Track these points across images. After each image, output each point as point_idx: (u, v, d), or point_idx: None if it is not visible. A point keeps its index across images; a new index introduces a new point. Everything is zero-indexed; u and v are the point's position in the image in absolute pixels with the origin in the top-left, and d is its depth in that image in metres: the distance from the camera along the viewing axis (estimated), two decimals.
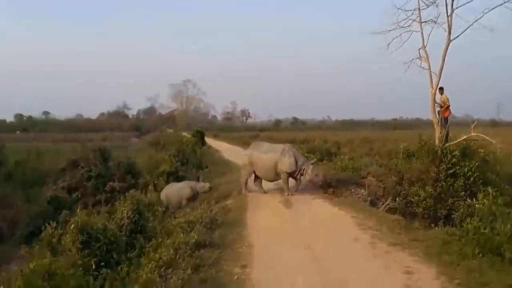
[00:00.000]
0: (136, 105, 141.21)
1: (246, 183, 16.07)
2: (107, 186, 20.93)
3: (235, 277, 7.63)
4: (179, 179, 20.39)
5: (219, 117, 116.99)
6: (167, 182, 19.63)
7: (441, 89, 14.13)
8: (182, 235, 9.76)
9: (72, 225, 9.38)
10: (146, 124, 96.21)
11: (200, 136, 42.02)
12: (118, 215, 11.27)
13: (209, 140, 48.98)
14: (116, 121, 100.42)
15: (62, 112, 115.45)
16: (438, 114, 14.21)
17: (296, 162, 15.37)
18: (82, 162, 22.88)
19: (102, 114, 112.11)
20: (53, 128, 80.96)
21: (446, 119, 14.29)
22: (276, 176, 15.71)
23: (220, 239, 10.01)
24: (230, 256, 8.85)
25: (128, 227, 10.75)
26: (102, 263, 8.85)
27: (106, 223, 10.18)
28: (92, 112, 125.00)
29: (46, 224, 11.39)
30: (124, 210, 11.10)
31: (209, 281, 7.45)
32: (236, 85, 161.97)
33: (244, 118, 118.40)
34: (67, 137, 58.73)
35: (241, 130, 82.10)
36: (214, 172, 24.92)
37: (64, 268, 7.86)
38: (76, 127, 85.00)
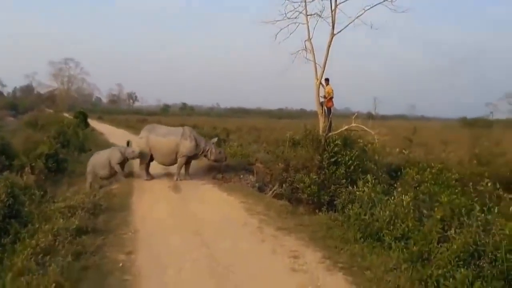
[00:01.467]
0: (11, 82, 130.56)
1: (147, 168, 15.55)
2: None
3: (120, 264, 7.35)
4: (59, 162, 19.25)
5: (104, 100, 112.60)
6: (46, 165, 18.41)
7: (327, 80, 14.68)
8: (62, 220, 9.16)
9: None
10: (23, 103, 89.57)
11: (82, 117, 40.18)
12: None
13: (93, 123, 46.97)
14: None
15: None
16: (322, 105, 14.77)
17: (197, 145, 15.26)
18: None
19: None
20: None
21: (329, 110, 14.88)
22: (175, 160, 15.36)
23: (104, 225, 9.61)
24: (114, 242, 8.51)
25: (1, 211, 9.88)
26: None
27: None
28: None
29: None
30: None
31: (91, 269, 7.09)
32: (123, 67, 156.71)
33: (131, 101, 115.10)
34: None
35: (128, 114, 79.65)
36: None
37: None
38: None
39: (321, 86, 14.34)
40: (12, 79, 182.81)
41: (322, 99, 14.63)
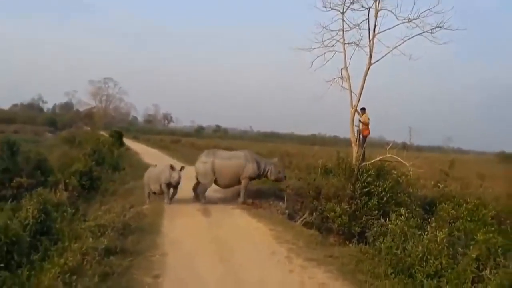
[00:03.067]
0: (52, 99, 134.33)
1: (204, 192, 15.50)
2: (14, 181, 19.61)
3: (146, 287, 7.30)
4: (93, 180, 19.55)
5: (140, 119, 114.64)
6: (80, 182, 18.75)
7: (363, 109, 14.60)
8: (91, 239, 9.20)
9: None
10: (62, 120, 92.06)
11: (118, 136, 40.79)
12: (22, 213, 10.50)
13: (128, 142, 47.70)
14: (30, 113, 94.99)
15: None
16: (357, 133, 14.64)
17: (259, 167, 15.36)
18: None
19: (16, 105, 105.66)
20: None
21: (364, 138, 14.76)
22: (237, 182, 15.47)
23: (132, 246, 9.59)
24: (142, 264, 8.48)
25: (32, 228, 10.00)
26: (1, 265, 8.10)
27: (9, 221, 9.40)
28: (4, 102, 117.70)
29: None
30: (30, 208, 10.35)
31: None
32: (160, 88, 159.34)
33: (166, 121, 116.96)
34: None
35: (162, 134, 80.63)
36: (131, 174, 24.07)
37: None
38: None
39: (356, 114, 14.25)
40: (53, 95, 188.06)
41: (357, 128, 14.54)
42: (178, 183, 14.64)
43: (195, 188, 15.52)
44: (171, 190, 14.91)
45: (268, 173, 15.63)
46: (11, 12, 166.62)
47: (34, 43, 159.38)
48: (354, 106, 14.14)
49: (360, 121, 14.82)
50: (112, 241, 9.31)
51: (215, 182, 15.52)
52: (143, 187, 16.21)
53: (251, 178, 15.55)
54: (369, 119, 14.73)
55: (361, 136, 14.82)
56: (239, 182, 15.44)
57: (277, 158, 17.10)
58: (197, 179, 15.33)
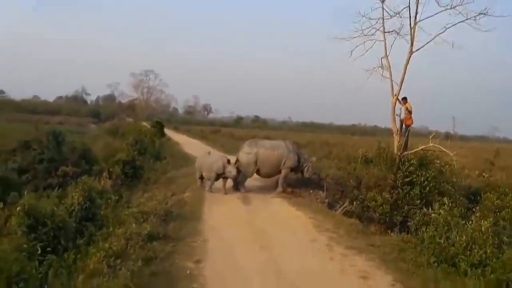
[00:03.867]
0: (95, 91, 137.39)
1: (245, 182, 15.62)
2: (60, 170, 20.22)
3: (188, 272, 7.43)
4: (135, 168, 19.97)
5: (181, 110, 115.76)
6: (123, 171, 19.18)
7: (405, 98, 14.33)
8: (134, 225, 9.43)
9: (19, 208, 8.91)
10: (105, 111, 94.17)
11: (159, 127, 41.46)
12: (68, 200, 10.84)
13: (169, 132, 48.35)
14: (74, 105, 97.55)
15: (18, 92, 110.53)
16: (400, 123, 14.41)
17: (299, 158, 15.52)
18: (34, 144, 22.05)
19: (60, 97, 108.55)
20: (8, 108, 77.76)
21: (407, 128, 14.51)
22: (278, 172, 15.59)
23: (174, 232, 9.77)
24: (184, 250, 8.63)
25: (78, 214, 10.29)
26: (49, 249, 8.37)
27: (55, 208, 9.70)
28: (49, 95, 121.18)
29: None
30: (75, 195, 10.66)
31: (160, 275, 7.21)
32: (199, 79, 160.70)
33: (206, 112, 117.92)
34: (22, 118, 56.50)
35: (202, 125, 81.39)
36: (172, 164, 24.48)
37: (7, 252, 7.46)
38: (33, 108, 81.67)
39: (398, 103, 14.02)
40: (96, 88, 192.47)
41: (398, 117, 14.31)
42: (235, 177, 14.83)
43: (235, 178, 15.56)
44: (226, 181, 15.14)
45: (305, 169, 15.71)
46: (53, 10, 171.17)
47: (79, 37, 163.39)
48: (395, 95, 13.92)
49: (402, 110, 14.57)
50: (154, 227, 9.50)
51: (257, 171, 15.63)
52: (186, 175, 16.42)
53: (291, 169, 15.59)
54: (411, 108, 14.45)
55: (403, 126, 14.58)
56: (279, 172, 15.47)
57: (315, 158, 17.05)
58: (237, 168, 15.41)
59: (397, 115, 14.35)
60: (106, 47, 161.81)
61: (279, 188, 15.29)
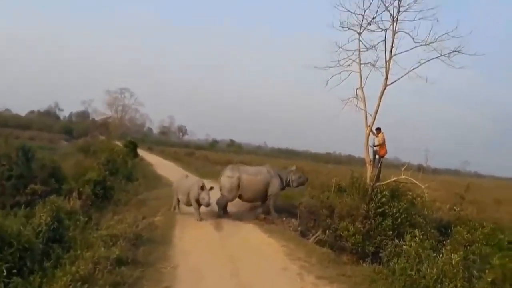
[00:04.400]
0: (68, 107, 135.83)
1: (223, 205, 15.54)
2: (28, 188, 19.73)
3: None
4: (106, 189, 19.60)
5: (155, 131, 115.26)
6: (93, 191, 18.79)
7: (379, 129, 14.53)
8: (103, 249, 9.23)
9: None
10: (78, 128, 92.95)
11: (132, 147, 41.04)
12: (36, 220, 10.56)
13: (142, 152, 47.91)
14: (46, 121, 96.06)
15: None
16: (373, 153, 14.57)
17: (281, 179, 15.74)
18: (3, 159, 21.52)
19: (32, 112, 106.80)
20: None
21: (380, 158, 14.68)
22: (262, 198, 15.78)
23: (144, 257, 9.61)
24: (153, 276, 8.49)
25: (45, 235, 10.02)
26: (14, 271, 8.14)
27: (22, 228, 9.45)
28: (21, 109, 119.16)
29: None
30: (43, 215, 10.41)
31: None
32: (175, 100, 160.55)
33: (181, 134, 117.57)
34: None
35: (177, 146, 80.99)
36: (144, 185, 24.22)
37: None
38: (3, 122, 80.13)
39: (371, 134, 14.19)
40: (69, 104, 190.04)
41: (373, 148, 14.49)
42: (208, 205, 14.48)
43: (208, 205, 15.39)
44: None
45: (290, 181, 15.98)
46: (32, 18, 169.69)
47: (52, 50, 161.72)
48: (369, 126, 14.08)
49: (375, 140, 14.76)
50: (123, 251, 9.33)
51: (239, 196, 15.59)
52: (158, 197, 16.22)
53: (277, 193, 15.76)
54: (384, 139, 14.66)
55: (377, 156, 14.77)
56: (263, 197, 15.63)
57: (295, 166, 17.21)
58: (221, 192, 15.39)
59: (370, 146, 14.50)
60: (80, 62, 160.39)
61: (273, 215, 15.42)
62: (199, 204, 14.69)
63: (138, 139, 60.82)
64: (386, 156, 15.19)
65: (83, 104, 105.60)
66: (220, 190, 15.40)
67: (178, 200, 15.55)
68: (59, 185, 19.98)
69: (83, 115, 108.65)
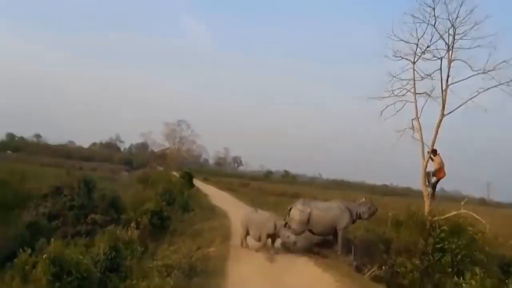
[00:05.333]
0: (129, 139, 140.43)
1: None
2: (89, 218, 20.42)
3: None
4: (163, 219, 19.94)
5: (211, 161, 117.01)
6: (151, 221, 19.18)
7: (434, 151, 14.06)
8: (157, 279, 9.40)
9: (45, 255, 9.01)
10: (137, 159, 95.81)
11: (188, 177, 41.67)
12: (95, 249, 10.91)
13: (198, 183, 48.57)
14: (107, 152, 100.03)
15: (54, 137, 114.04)
16: (431, 175, 14.13)
17: (351, 213, 15.31)
18: (66, 189, 22.43)
19: (94, 144, 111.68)
20: (44, 152, 79.83)
21: (438, 180, 14.19)
22: (331, 232, 15.48)
23: None
24: None
25: (103, 264, 10.36)
26: None
27: (81, 257, 9.78)
28: (84, 141, 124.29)
29: (21, 250, 11.01)
30: (102, 245, 10.75)
31: None
32: (230, 131, 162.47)
33: (236, 165, 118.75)
34: (57, 162, 57.95)
35: (232, 177, 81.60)
36: (200, 216, 24.47)
37: None
38: (67, 153, 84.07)
39: (430, 160, 13.84)
40: (130, 136, 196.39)
41: (431, 173, 14.08)
42: (294, 243, 14.33)
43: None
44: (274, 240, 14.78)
45: (361, 213, 15.39)
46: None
47: (113, 83, 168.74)
48: (426, 157, 13.76)
49: (433, 163, 14.25)
50: (177, 282, 9.44)
51: (310, 230, 15.45)
52: (213, 228, 16.24)
53: (346, 227, 15.38)
54: (442, 161, 14.16)
55: (434, 178, 14.27)
56: (333, 231, 15.29)
57: (364, 198, 16.80)
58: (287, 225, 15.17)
59: (430, 172, 14.06)
60: (140, 95, 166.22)
61: (338, 248, 15.01)
62: (273, 239, 14.61)
63: (194, 170, 61.80)
64: (445, 188, 14.73)
65: (143, 136, 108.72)
66: (289, 221, 15.17)
67: (247, 234, 15.29)
68: (118, 215, 20.62)
69: (143, 146, 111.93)
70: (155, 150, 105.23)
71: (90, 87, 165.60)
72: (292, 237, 14.24)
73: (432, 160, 14.22)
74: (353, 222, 15.61)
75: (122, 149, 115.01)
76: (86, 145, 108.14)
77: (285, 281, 11.30)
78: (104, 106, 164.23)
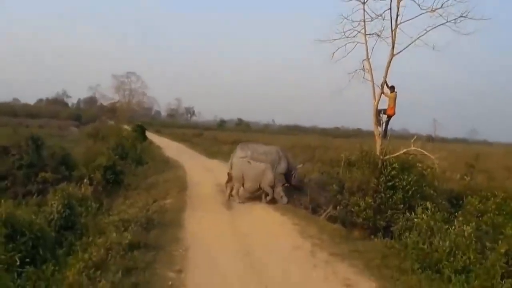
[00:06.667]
0: (76, 94, 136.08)
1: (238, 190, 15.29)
2: (39, 176, 19.81)
3: (169, 283, 7.33)
4: (116, 174, 19.63)
5: (163, 113, 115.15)
6: (104, 177, 18.84)
7: (393, 87, 14.02)
8: (115, 234, 9.27)
9: None
10: (86, 114, 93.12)
11: (141, 130, 40.99)
12: (47, 208, 10.63)
13: (151, 135, 47.94)
14: (54, 108, 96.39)
15: None
16: (381, 112, 14.23)
17: (288, 166, 15.29)
18: (13, 148, 21.59)
19: (41, 100, 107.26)
20: None
21: (389, 117, 14.28)
22: None
23: (155, 240, 9.62)
24: (165, 259, 8.51)
25: (57, 223, 10.14)
26: (27, 260, 8.20)
27: (34, 216, 9.51)
28: (30, 97, 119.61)
29: None
30: (55, 203, 10.48)
31: (141, 286, 7.09)
32: (182, 82, 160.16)
33: (189, 115, 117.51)
34: (2, 121, 55.54)
35: (185, 128, 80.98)
36: (154, 168, 24.25)
37: None
38: (12, 111, 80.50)
39: (383, 95, 13.90)
40: (77, 91, 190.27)
41: (380, 121, 14.18)
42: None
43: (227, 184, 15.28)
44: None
45: (293, 176, 15.49)
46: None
47: (58, 38, 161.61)
48: (377, 98, 13.87)
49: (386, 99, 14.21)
50: (135, 235, 9.35)
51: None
52: (167, 180, 16.11)
53: (282, 173, 15.26)
54: (395, 99, 14.12)
55: (385, 116, 14.33)
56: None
57: (301, 165, 16.94)
58: (228, 173, 15.25)
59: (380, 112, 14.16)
60: (87, 49, 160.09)
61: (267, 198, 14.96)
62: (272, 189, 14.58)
63: (146, 122, 60.77)
64: (393, 127, 14.90)
65: (90, 90, 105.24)
66: (230, 172, 15.20)
67: (239, 187, 14.97)
68: (69, 172, 20.09)
69: (91, 101, 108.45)
70: (104, 104, 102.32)
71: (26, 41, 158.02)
72: (285, 199, 14.41)
73: (386, 95, 14.16)
74: (286, 180, 15.52)
75: (70, 104, 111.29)
76: (32, 102, 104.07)
77: (243, 227, 11.44)
78: (47, 60, 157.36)
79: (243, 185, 14.74)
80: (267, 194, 14.66)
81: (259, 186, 14.59)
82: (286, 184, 14.86)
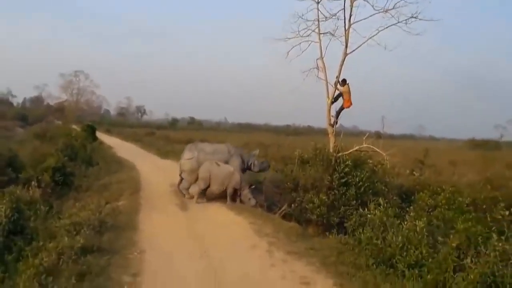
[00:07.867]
0: (22, 93, 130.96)
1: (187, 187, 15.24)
2: None
3: (125, 287, 7.16)
4: (66, 175, 19.08)
5: (113, 112, 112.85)
6: (53, 178, 18.27)
7: (344, 80, 14.13)
8: (66, 238, 8.96)
9: None
10: (33, 114, 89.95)
11: (91, 130, 40.00)
12: None
13: (101, 135, 46.90)
14: None
15: None
16: (333, 125, 14.45)
17: (243, 161, 15.43)
18: None
19: None
20: None
21: (342, 108, 14.36)
22: None
23: (109, 244, 9.36)
24: (120, 263, 8.29)
25: (5, 227, 9.72)
26: None
27: None
28: None
29: None
30: (2, 207, 10.07)
31: None
32: (132, 80, 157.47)
33: (140, 114, 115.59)
34: None
35: (136, 127, 79.69)
36: (105, 170, 23.72)
37: None
38: None
39: (336, 90, 14.03)
40: (22, 90, 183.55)
41: (334, 118, 14.33)
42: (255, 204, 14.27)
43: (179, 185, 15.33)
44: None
45: (252, 165, 15.69)
46: None
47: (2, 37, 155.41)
48: (330, 96, 14.07)
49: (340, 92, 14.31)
50: (88, 239, 9.05)
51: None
52: (120, 181, 15.84)
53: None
54: (350, 90, 14.25)
55: (340, 108, 14.40)
56: None
57: (258, 150, 17.00)
58: (180, 175, 15.21)
59: (332, 116, 14.38)
60: (33, 46, 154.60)
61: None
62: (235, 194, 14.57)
63: (96, 121, 59.41)
64: (343, 124, 15.13)
65: (37, 89, 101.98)
66: (182, 173, 15.26)
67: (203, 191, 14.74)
68: (16, 174, 19.30)
69: (37, 100, 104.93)
70: (52, 103, 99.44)
71: None
72: (253, 200, 14.31)
73: (339, 90, 14.28)
74: (243, 171, 15.63)
75: (15, 104, 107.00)
76: None
77: (198, 228, 11.34)
78: None
79: (208, 186, 14.57)
80: (232, 196, 14.62)
81: (225, 188, 14.48)
82: (252, 186, 14.80)
